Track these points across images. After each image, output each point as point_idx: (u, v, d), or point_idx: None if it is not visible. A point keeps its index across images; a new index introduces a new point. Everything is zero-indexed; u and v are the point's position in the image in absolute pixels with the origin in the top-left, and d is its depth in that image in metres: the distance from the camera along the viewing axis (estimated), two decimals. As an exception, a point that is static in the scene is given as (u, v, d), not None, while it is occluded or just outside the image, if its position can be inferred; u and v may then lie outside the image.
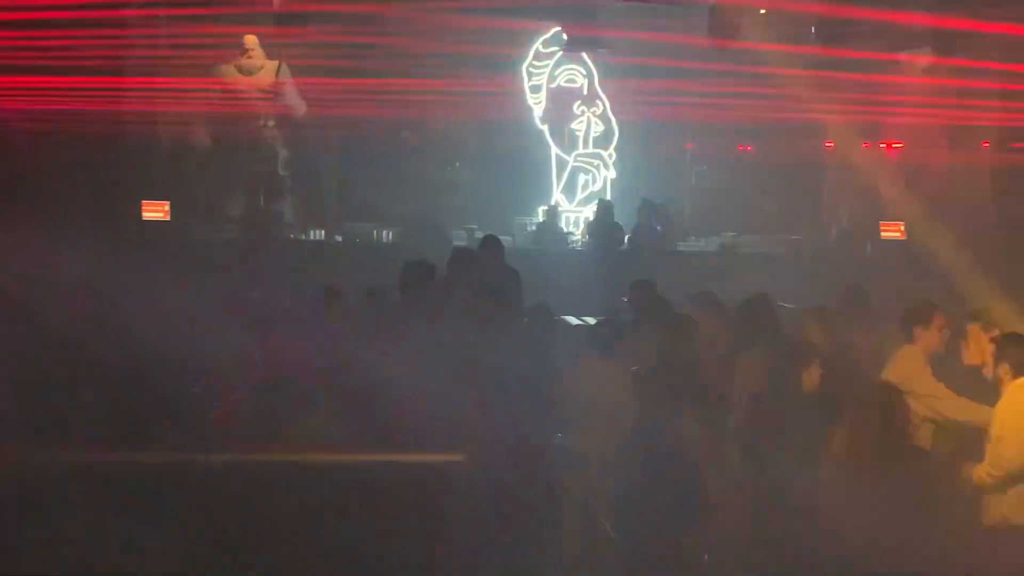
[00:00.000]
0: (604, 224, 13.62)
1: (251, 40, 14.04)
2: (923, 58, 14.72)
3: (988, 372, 6.03)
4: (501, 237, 14.33)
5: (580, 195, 15.18)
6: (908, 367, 6.45)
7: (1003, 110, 13.98)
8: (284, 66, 14.07)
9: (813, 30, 13.45)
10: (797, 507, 5.10)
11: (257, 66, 14.14)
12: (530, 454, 5.69)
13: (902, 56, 14.85)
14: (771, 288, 7.64)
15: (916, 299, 6.97)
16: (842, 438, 5.39)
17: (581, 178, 15.44)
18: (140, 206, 12.44)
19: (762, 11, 13.47)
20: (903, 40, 14.47)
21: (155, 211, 12.50)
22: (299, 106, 14.38)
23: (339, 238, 14.00)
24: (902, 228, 14.11)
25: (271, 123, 14.34)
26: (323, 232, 14.01)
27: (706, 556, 5.25)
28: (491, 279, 7.81)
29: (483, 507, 5.25)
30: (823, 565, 4.91)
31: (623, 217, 13.91)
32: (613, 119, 15.43)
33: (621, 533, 5.50)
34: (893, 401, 5.47)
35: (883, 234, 14.09)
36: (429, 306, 7.21)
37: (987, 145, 14.55)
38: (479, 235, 13.81)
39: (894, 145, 15.86)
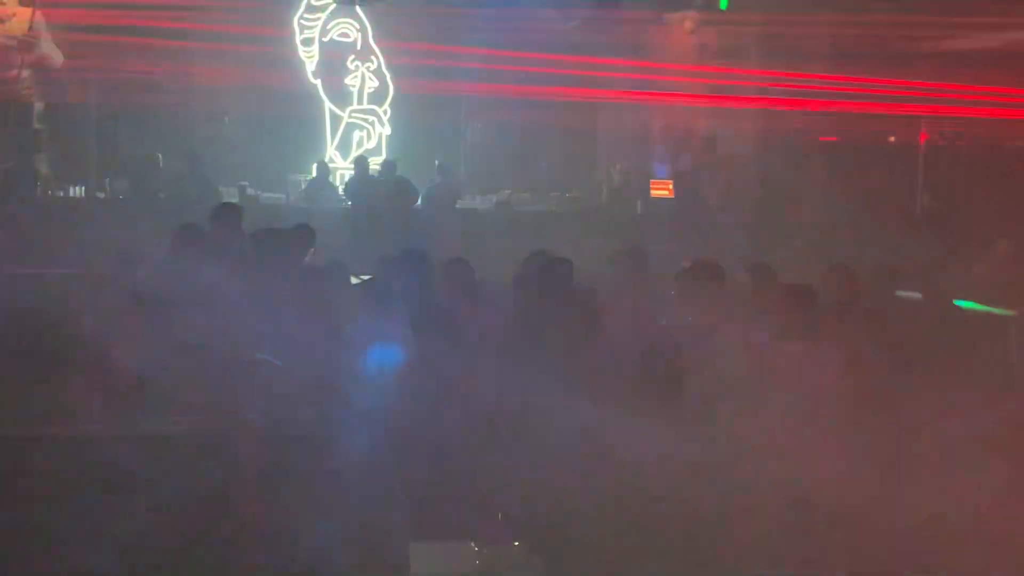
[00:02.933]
0: (366, 182, 13.58)
1: (2, -15, 13.39)
2: (689, 19, 15.23)
3: None
4: (273, 195, 14.29)
5: (355, 152, 15.02)
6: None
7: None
8: (39, 13, 13.47)
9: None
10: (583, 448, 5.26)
11: (8, 14, 13.51)
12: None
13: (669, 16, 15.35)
14: (545, 245, 7.76)
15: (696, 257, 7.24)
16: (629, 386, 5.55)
17: (356, 135, 15.31)
18: None
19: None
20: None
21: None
22: (55, 56, 13.81)
23: (101, 195, 13.53)
24: (671, 187, 14.62)
25: (25, 74, 13.72)
26: (83, 189, 13.52)
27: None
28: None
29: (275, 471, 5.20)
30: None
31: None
32: (388, 75, 15.35)
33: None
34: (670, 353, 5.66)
35: (653, 192, 14.56)
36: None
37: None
38: (251, 192, 13.64)
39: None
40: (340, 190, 14.19)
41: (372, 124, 15.34)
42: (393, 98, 15.40)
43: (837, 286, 6.80)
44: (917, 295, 7.67)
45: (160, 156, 13.25)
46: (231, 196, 12.78)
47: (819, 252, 10.32)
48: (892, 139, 13.73)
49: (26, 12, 13.51)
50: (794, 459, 5.37)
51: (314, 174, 14.83)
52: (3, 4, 13.43)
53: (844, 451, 5.52)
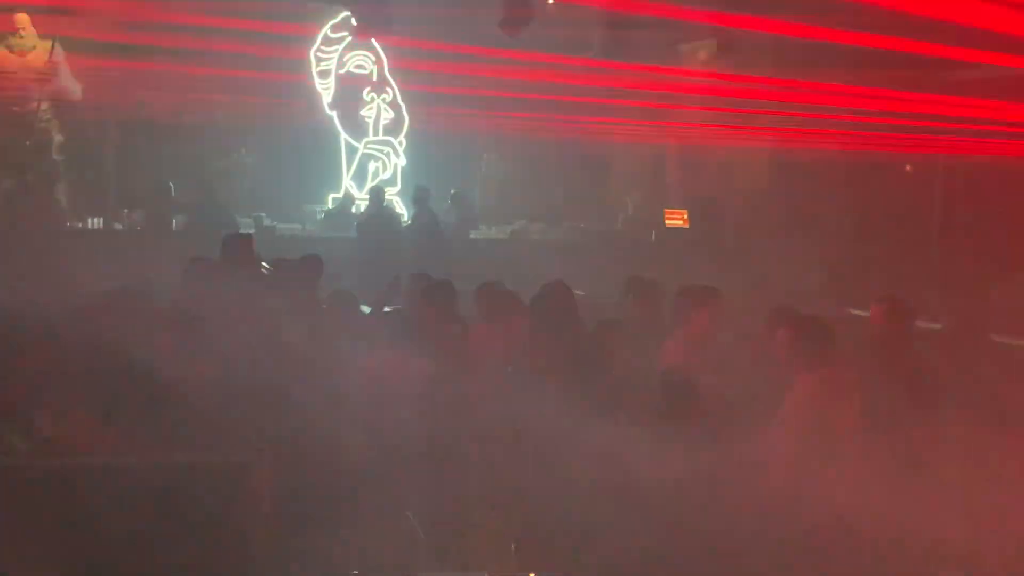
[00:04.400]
0: (383, 210, 13.53)
1: (22, 18, 13.37)
2: (704, 51, 15.12)
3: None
4: (290, 225, 14.24)
5: (370, 183, 14.96)
6: (676, 349, 6.67)
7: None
8: (58, 46, 13.44)
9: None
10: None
11: (29, 45, 13.50)
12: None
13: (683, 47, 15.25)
14: (559, 274, 7.65)
15: (695, 285, 7.15)
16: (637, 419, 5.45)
17: (371, 165, 15.25)
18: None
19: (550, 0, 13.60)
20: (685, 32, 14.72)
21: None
22: (74, 88, 13.77)
23: (119, 226, 13.47)
24: (686, 216, 14.49)
25: (44, 105, 13.69)
26: (102, 220, 13.47)
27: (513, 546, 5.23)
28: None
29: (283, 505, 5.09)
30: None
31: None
32: (403, 106, 15.30)
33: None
34: (674, 383, 5.55)
35: (667, 222, 14.43)
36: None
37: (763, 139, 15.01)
38: (268, 223, 13.58)
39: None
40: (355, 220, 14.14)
41: (387, 155, 15.28)
42: (409, 129, 15.37)
43: (887, 319, 6.70)
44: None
45: (173, 187, 13.26)
46: (248, 227, 12.75)
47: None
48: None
49: (46, 45, 13.49)
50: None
51: (331, 205, 14.84)
52: (22, 37, 13.42)
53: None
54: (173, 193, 13.16)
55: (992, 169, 12.13)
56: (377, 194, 13.74)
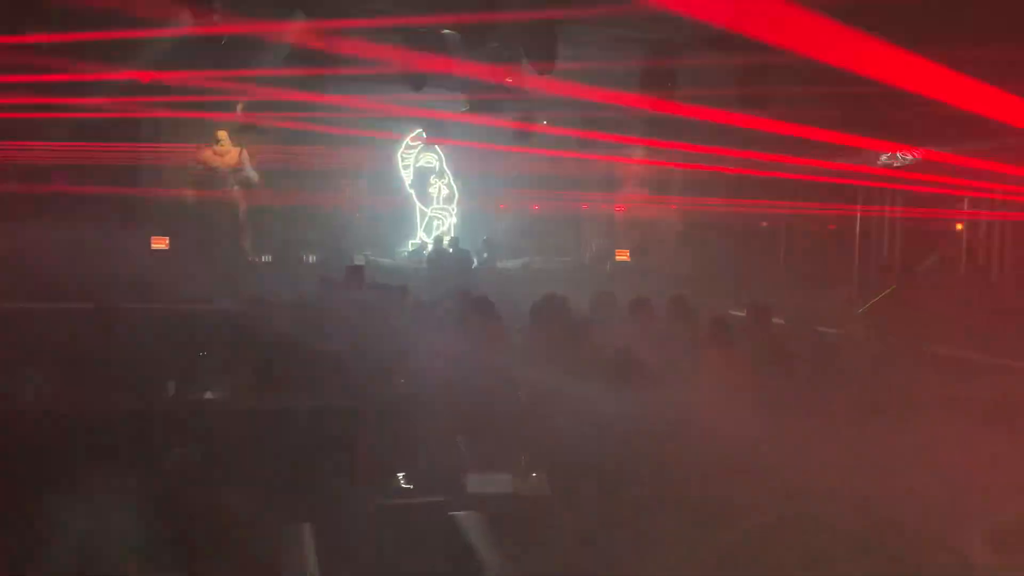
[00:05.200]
0: (441, 250, 13.53)
1: (222, 133, 13.43)
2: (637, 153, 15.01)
3: None
4: (384, 259, 14.22)
5: (434, 233, 15.01)
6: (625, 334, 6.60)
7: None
8: (245, 151, 13.51)
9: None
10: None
11: (226, 150, 13.54)
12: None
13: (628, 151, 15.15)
14: (552, 288, 7.55)
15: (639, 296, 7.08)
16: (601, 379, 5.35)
17: (435, 224, 15.32)
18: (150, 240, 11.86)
19: (544, 122, 13.53)
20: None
21: (160, 244, 11.94)
22: (254, 176, 13.81)
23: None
24: (628, 254, 14.42)
25: (236, 188, 13.72)
26: (270, 256, 13.50)
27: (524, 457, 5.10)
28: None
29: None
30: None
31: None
32: (455, 186, 15.35)
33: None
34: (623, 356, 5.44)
35: (617, 258, 14.35)
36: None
37: (675, 207, 14.92)
38: (371, 258, 13.56)
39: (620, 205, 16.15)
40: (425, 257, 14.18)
41: (445, 217, 15.33)
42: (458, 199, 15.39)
43: (754, 316, 6.64)
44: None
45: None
46: (359, 260, 12.72)
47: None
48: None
49: (236, 150, 13.54)
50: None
51: (410, 247, 14.84)
52: (221, 144, 13.48)
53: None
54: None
55: (815, 222, 12.07)
56: (439, 241, 13.76)
